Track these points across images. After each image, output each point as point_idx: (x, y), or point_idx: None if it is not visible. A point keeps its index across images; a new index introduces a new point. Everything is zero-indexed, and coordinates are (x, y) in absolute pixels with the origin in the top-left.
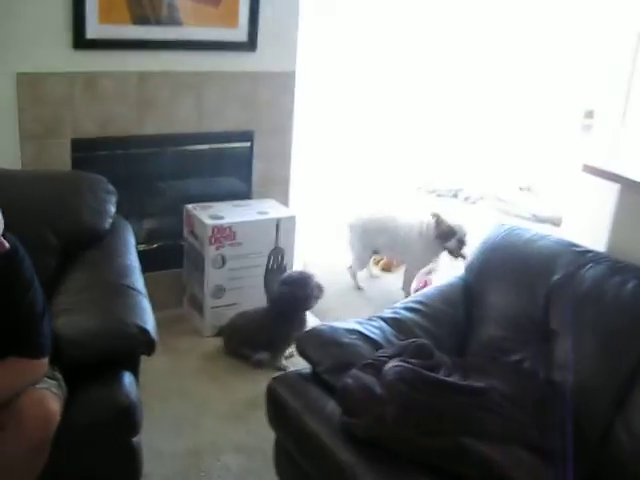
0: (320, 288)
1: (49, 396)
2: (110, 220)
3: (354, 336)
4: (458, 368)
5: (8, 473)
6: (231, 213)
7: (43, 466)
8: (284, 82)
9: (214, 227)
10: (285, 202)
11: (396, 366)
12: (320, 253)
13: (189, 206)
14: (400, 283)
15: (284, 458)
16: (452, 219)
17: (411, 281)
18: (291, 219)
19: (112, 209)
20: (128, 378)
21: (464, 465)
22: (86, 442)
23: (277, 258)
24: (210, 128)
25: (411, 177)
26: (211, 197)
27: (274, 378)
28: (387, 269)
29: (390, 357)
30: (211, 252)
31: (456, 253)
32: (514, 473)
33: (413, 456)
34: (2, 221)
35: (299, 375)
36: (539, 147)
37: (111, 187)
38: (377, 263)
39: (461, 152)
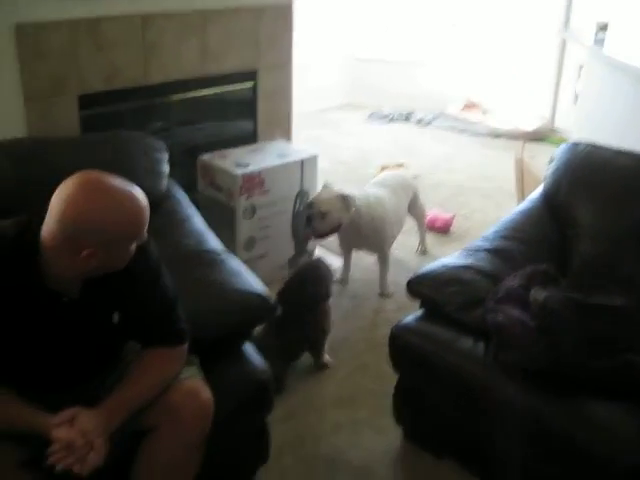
0: (330, 276)
1: (200, 385)
2: (165, 182)
3: (471, 271)
4: (577, 289)
5: (170, 474)
6: (252, 159)
7: (202, 460)
8: (284, 15)
9: (244, 176)
10: (288, 140)
11: (551, 296)
12: None
13: (204, 156)
14: None
15: (409, 403)
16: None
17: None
18: (313, 159)
19: (166, 169)
20: (252, 350)
21: (633, 380)
22: (228, 426)
23: (303, 201)
24: (214, 71)
25: (363, 104)
26: (219, 144)
27: (395, 327)
28: None
29: (522, 287)
30: (242, 203)
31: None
32: None
33: (584, 380)
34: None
35: (419, 319)
36: (486, 64)
37: (161, 144)
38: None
39: (409, 74)
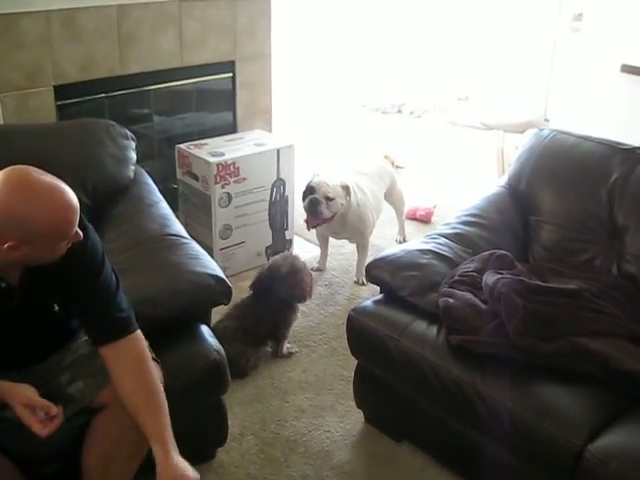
0: (300, 284)
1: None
2: (133, 168)
3: (428, 256)
4: (534, 274)
5: (120, 451)
6: (229, 148)
7: None
8: (261, 6)
9: (218, 165)
10: (269, 131)
11: (500, 279)
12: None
13: (181, 146)
14: None
15: (368, 386)
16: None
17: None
18: (290, 148)
19: (133, 156)
20: (207, 332)
21: (582, 364)
22: (181, 405)
23: (279, 190)
24: (192, 61)
25: (355, 95)
26: (198, 134)
27: (353, 309)
28: None
29: (476, 271)
30: (217, 191)
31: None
32: (629, 365)
33: (532, 363)
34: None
35: (376, 302)
36: (474, 57)
37: (128, 132)
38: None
39: (401, 66)
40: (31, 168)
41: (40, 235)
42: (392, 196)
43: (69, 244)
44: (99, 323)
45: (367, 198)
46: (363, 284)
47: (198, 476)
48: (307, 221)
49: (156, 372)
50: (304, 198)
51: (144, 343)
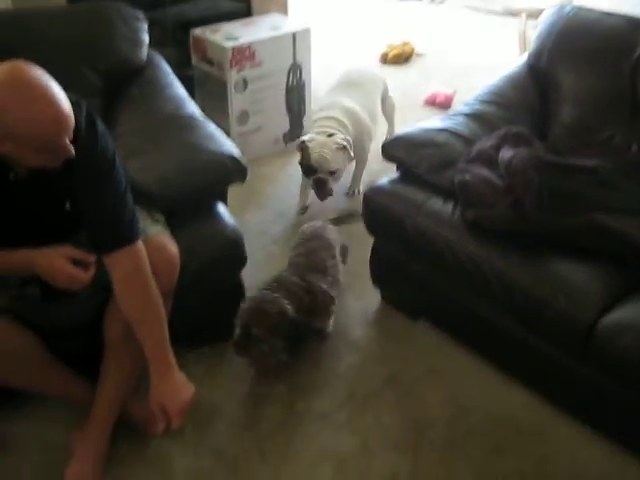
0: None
1: (166, 240)
2: (146, 50)
3: (445, 134)
4: (552, 151)
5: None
6: (244, 32)
7: (170, 311)
8: None
9: (234, 49)
10: (285, 14)
11: (516, 154)
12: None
13: (196, 30)
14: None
15: (384, 265)
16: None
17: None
18: (306, 32)
19: (146, 38)
20: (224, 210)
21: (600, 240)
22: (198, 281)
23: (296, 75)
24: None
25: None
26: (214, 19)
27: (369, 188)
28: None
29: (493, 148)
30: (233, 76)
31: (316, 192)
32: None
33: (548, 239)
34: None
35: (392, 181)
36: None
37: (140, 13)
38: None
39: None
40: (33, 67)
41: (19, 136)
42: (383, 104)
43: (61, 157)
44: (97, 233)
45: (361, 122)
46: (354, 195)
47: (192, 390)
48: (318, 196)
49: (154, 284)
50: (307, 175)
51: (142, 255)
